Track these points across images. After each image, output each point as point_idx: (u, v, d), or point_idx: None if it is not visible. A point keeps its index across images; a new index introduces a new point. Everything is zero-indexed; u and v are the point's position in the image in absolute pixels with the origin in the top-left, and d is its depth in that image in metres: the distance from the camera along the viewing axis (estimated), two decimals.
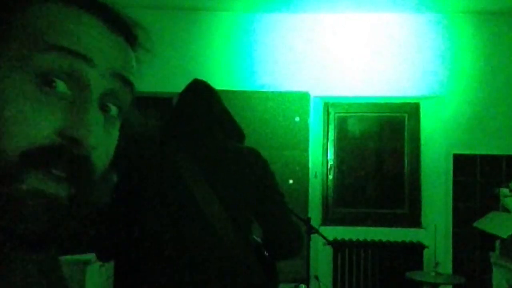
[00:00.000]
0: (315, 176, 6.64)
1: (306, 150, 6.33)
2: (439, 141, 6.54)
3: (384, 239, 6.52)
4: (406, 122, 6.88)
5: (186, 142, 2.94)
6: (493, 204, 5.94)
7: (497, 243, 5.80)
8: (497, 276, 5.85)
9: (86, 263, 5.14)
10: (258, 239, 3.01)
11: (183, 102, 3.08)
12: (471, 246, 6.26)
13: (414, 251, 6.45)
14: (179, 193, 2.79)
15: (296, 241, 3.05)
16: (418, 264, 6.37)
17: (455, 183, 6.38)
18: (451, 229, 6.36)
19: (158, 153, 2.93)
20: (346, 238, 6.60)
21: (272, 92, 6.37)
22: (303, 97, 6.33)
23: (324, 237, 4.69)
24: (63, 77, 0.87)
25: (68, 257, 5.19)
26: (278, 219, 3.00)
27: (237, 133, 3.21)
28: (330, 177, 6.93)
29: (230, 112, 3.24)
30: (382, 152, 7.13)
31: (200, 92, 3.08)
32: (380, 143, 7.10)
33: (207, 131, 2.96)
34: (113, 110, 0.97)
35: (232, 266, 2.77)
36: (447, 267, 6.29)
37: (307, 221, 4.65)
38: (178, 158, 2.85)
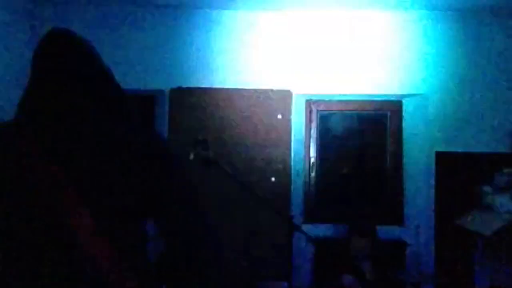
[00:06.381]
0: (297, 174, 6.63)
1: (288, 147, 6.32)
2: (421, 138, 6.54)
3: None
4: (388, 120, 6.87)
5: (46, 126, 2.17)
6: (476, 201, 5.94)
7: (480, 241, 5.81)
8: (480, 274, 5.86)
9: None
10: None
11: (37, 66, 2.27)
12: (453, 244, 6.26)
13: (396, 249, 6.45)
14: (32, 198, 2.08)
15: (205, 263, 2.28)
16: (400, 262, 6.37)
17: (438, 180, 6.38)
18: (433, 227, 6.36)
19: (7, 144, 2.18)
20: (328, 235, 6.59)
21: (254, 89, 6.35)
22: (285, 94, 6.32)
23: (306, 235, 4.68)
24: None
25: None
26: (180, 229, 2.26)
27: (118, 99, 2.36)
28: (313, 174, 6.91)
29: (108, 69, 2.39)
30: (364, 149, 7.11)
31: (58, 49, 2.26)
32: (363, 140, 7.08)
33: (73, 108, 2.19)
34: None
35: None
36: (429, 265, 6.30)
37: (289, 218, 4.64)
38: (33, 150, 2.11)
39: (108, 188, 2.11)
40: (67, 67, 2.23)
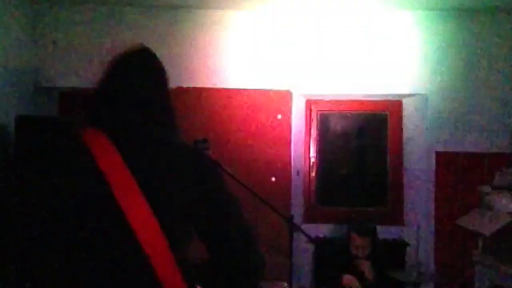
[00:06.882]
0: (297, 174, 6.63)
1: (288, 147, 6.32)
2: (421, 138, 6.53)
3: None
4: (388, 120, 6.87)
5: (110, 127, 2.32)
6: (476, 201, 5.94)
7: (480, 240, 5.81)
8: (480, 274, 5.86)
9: None
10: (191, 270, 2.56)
11: (115, 73, 2.47)
12: (453, 244, 6.26)
13: (396, 248, 6.44)
14: (93, 189, 2.17)
15: (251, 272, 2.38)
16: (400, 262, 6.37)
17: (437, 180, 6.38)
18: (433, 227, 6.36)
19: (68, 139, 2.30)
20: (328, 235, 6.59)
21: (254, 90, 6.35)
22: (285, 95, 6.32)
23: (306, 235, 4.68)
24: None
25: None
26: (227, 237, 2.34)
27: (173, 125, 2.52)
28: (313, 174, 6.91)
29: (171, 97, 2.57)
30: (364, 149, 7.12)
31: (139, 65, 2.50)
32: (363, 140, 7.09)
33: (144, 117, 2.37)
34: None
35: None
36: (429, 265, 6.29)
37: (290, 218, 4.64)
38: (95, 145, 2.23)
39: (164, 190, 2.25)
40: (146, 80, 2.47)
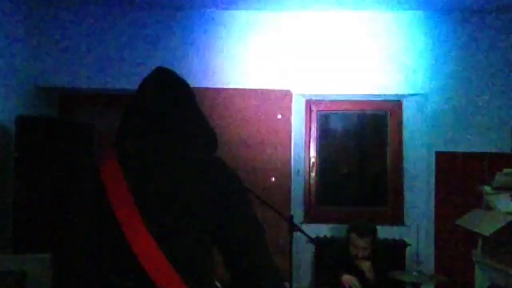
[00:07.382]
0: (297, 174, 6.63)
1: (288, 147, 6.32)
2: (421, 138, 6.53)
3: None
4: (388, 120, 6.87)
5: (129, 146, 2.35)
6: (476, 201, 5.93)
7: (480, 241, 5.80)
8: (480, 274, 5.84)
9: None
10: (219, 285, 2.58)
11: (139, 96, 2.49)
12: (453, 244, 6.26)
13: (397, 249, 6.44)
14: (99, 213, 2.23)
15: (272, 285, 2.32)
16: (400, 262, 6.36)
17: (438, 180, 6.37)
18: (433, 227, 6.36)
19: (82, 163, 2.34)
20: (328, 235, 6.58)
21: (254, 90, 6.34)
22: (285, 94, 6.32)
23: (306, 235, 4.67)
24: None
25: None
26: (248, 251, 2.33)
27: (208, 140, 2.60)
28: (313, 174, 6.91)
29: (203, 113, 2.64)
30: (364, 149, 7.12)
31: (165, 85, 2.56)
32: (362, 140, 7.09)
33: (161, 136, 2.36)
34: None
35: None
36: (429, 265, 6.29)
37: (290, 218, 4.63)
38: (101, 167, 2.27)
39: (176, 210, 2.21)
40: (171, 98, 2.49)
